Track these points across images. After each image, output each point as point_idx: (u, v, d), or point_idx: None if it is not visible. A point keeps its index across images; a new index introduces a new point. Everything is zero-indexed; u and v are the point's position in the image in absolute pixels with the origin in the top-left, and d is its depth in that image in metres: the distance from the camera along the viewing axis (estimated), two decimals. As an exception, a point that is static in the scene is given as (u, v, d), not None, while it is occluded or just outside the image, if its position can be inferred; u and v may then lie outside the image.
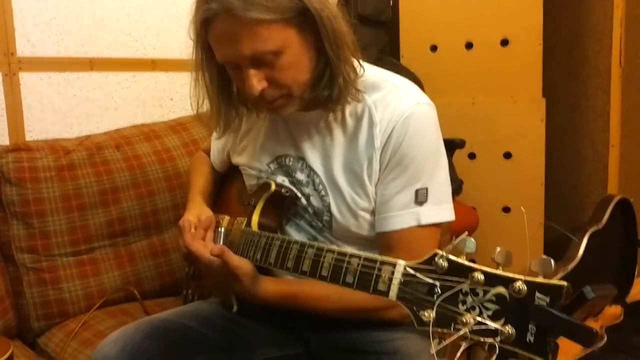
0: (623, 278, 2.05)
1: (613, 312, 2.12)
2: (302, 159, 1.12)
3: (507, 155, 2.14)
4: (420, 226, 1.02)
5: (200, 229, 1.11)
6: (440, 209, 1.05)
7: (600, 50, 2.29)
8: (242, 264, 1.00)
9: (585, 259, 1.61)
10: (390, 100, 1.04)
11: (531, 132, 2.10)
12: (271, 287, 1.04)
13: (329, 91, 1.00)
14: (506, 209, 2.15)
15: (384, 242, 1.05)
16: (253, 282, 1.01)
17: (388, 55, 2.30)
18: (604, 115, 2.30)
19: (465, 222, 1.92)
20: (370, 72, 1.09)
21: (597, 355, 1.85)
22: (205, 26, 0.97)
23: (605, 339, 1.90)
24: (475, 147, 2.19)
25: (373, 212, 1.07)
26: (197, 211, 1.24)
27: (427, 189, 1.03)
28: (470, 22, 2.16)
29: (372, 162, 1.04)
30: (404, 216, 1.03)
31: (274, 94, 1.00)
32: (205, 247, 1.04)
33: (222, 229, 1.10)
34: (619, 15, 2.20)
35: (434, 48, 2.25)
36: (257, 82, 0.97)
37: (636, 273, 2.14)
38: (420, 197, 1.03)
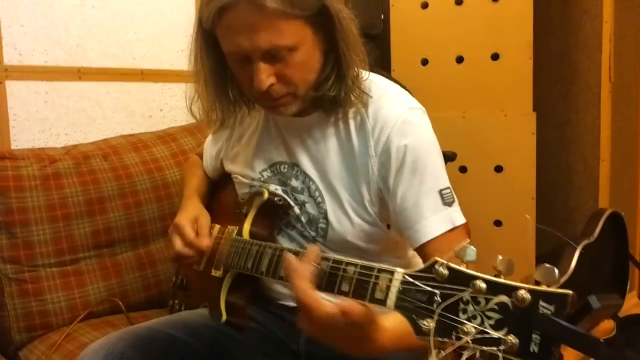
0: (615, 292, 2.04)
1: (606, 326, 2.11)
2: (296, 165, 1.11)
3: (498, 169, 2.14)
4: (455, 228, 0.99)
5: (308, 264, 0.80)
6: (460, 210, 1.02)
7: (590, 65, 2.31)
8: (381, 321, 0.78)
9: (577, 272, 1.60)
10: (382, 105, 1.03)
11: (522, 146, 2.10)
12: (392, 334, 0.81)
13: (335, 92, 1.00)
14: (497, 223, 2.14)
15: (427, 255, 0.98)
16: (383, 336, 0.79)
17: (379, 69, 2.30)
18: (595, 129, 2.31)
19: (457, 235, 1.90)
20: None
21: (591, 369, 1.83)
22: (221, 14, 0.93)
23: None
24: (466, 161, 2.18)
25: (368, 222, 1.06)
26: (195, 212, 1.19)
27: (449, 188, 1.01)
28: (461, 36, 2.16)
29: (368, 170, 1.03)
30: (438, 222, 0.98)
31: (281, 91, 0.99)
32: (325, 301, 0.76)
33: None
34: (608, 30, 2.22)
35: (425, 62, 2.25)
36: (266, 77, 0.95)
37: (628, 287, 2.14)
38: (447, 198, 0.99)
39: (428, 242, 0.99)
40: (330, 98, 1.01)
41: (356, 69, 1.00)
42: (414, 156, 1.00)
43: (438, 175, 1.01)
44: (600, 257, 1.94)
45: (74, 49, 1.80)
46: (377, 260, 1.05)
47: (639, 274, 2.55)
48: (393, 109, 1.02)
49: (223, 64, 1.03)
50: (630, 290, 2.41)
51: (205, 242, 1.13)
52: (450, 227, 0.99)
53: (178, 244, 1.12)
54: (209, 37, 0.99)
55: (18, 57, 1.69)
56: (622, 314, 2.15)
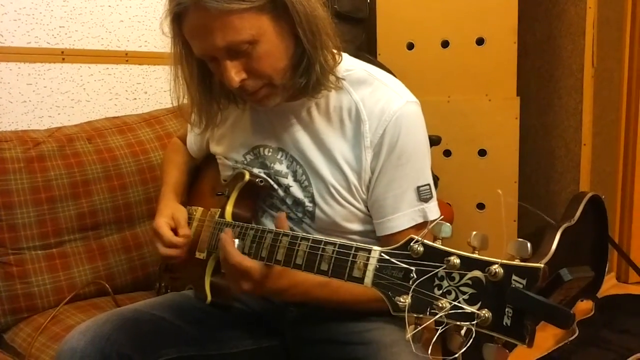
0: (594, 276, 2.08)
1: (584, 306, 2.15)
2: (282, 149, 1.11)
3: (482, 153, 2.16)
4: (424, 223, 1.03)
5: (229, 235, 0.99)
6: (437, 205, 1.06)
7: (573, 50, 2.32)
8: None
9: (558, 254, 1.63)
10: (379, 98, 1.03)
11: (505, 130, 2.12)
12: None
13: (305, 79, 0.99)
14: (480, 206, 2.16)
15: (390, 245, 1.03)
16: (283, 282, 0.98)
17: (365, 53, 2.30)
18: (577, 114, 2.33)
19: (441, 218, 1.92)
20: (356, 67, 1.08)
21: (568, 348, 1.87)
22: (178, 21, 0.96)
23: (577, 332, 1.93)
24: (451, 145, 2.20)
25: (356, 207, 1.07)
26: (170, 211, 1.22)
27: (429, 185, 1.04)
28: (446, 20, 2.17)
29: (361, 160, 1.03)
30: (408, 216, 1.03)
31: (255, 85, 0.99)
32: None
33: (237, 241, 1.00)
34: (591, 16, 2.23)
35: (410, 46, 2.26)
36: (235, 73, 0.96)
37: (607, 269, 2.18)
38: (424, 194, 1.03)
39: (394, 233, 1.03)
40: (301, 85, 1.00)
41: (324, 53, 0.99)
42: (401, 151, 1.02)
43: (419, 171, 1.04)
44: (581, 240, 1.98)
45: (57, 31, 1.78)
46: (370, 242, 1.07)
47: (618, 256, 2.60)
48: (391, 102, 1.02)
49: (204, 63, 1.03)
50: (609, 272, 2.46)
51: (183, 232, 1.17)
52: (420, 221, 1.03)
53: (159, 247, 1.16)
54: (184, 43, 1.00)
55: None
56: (600, 295, 2.20)
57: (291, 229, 1.09)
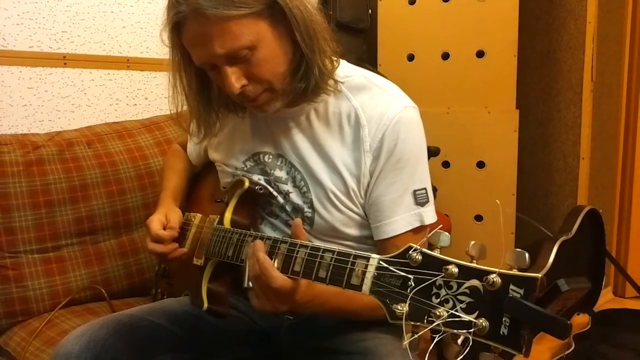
0: (591, 287, 2.07)
1: (581, 320, 2.15)
2: (281, 156, 1.12)
3: (481, 165, 2.16)
4: (421, 227, 1.03)
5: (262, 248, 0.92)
6: (433, 209, 1.06)
7: (572, 64, 2.33)
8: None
9: (555, 267, 1.63)
10: (378, 103, 1.04)
11: (504, 142, 2.12)
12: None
13: (305, 83, 1.00)
14: (478, 217, 2.17)
15: (387, 248, 1.04)
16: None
17: (365, 63, 2.31)
18: (575, 128, 2.34)
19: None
20: (355, 73, 1.09)
21: (565, 362, 1.87)
22: (177, 30, 0.97)
23: (574, 346, 1.92)
24: (450, 156, 2.20)
25: (355, 212, 1.07)
26: (164, 211, 1.22)
27: (425, 189, 1.05)
28: (447, 33, 2.18)
29: (361, 164, 1.04)
30: (405, 220, 1.03)
31: (256, 90, 0.99)
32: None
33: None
34: (591, 31, 2.25)
35: (411, 57, 2.27)
36: (235, 79, 0.96)
37: (604, 283, 2.18)
38: (421, 198, 1.03)
39: (391, 237, 1.03)
40: (301, 90, 1.01)
41: (321, 58, 1.00)
42: (399, 155, 1.02)
43: (416, 175, 1.04)
44: (578, 253, 1.98)
45: (59, 36, 1.79)
46: (368, 248, 1.08)
47: (615, 270, 2.59)
48: (390, 107, 1.03)
49: (203, 73, 1.04)
50: (605, 286, 2.46)
51: (170, 226, 1.16)
52: (417, 225, 1.03)
53: (147, 241, 1.16)
54: (182, 52, 1.01)
55: (2, 42, 1.68)
56: (597, 309, 2.19)
57: (289, 236, 1.10)
